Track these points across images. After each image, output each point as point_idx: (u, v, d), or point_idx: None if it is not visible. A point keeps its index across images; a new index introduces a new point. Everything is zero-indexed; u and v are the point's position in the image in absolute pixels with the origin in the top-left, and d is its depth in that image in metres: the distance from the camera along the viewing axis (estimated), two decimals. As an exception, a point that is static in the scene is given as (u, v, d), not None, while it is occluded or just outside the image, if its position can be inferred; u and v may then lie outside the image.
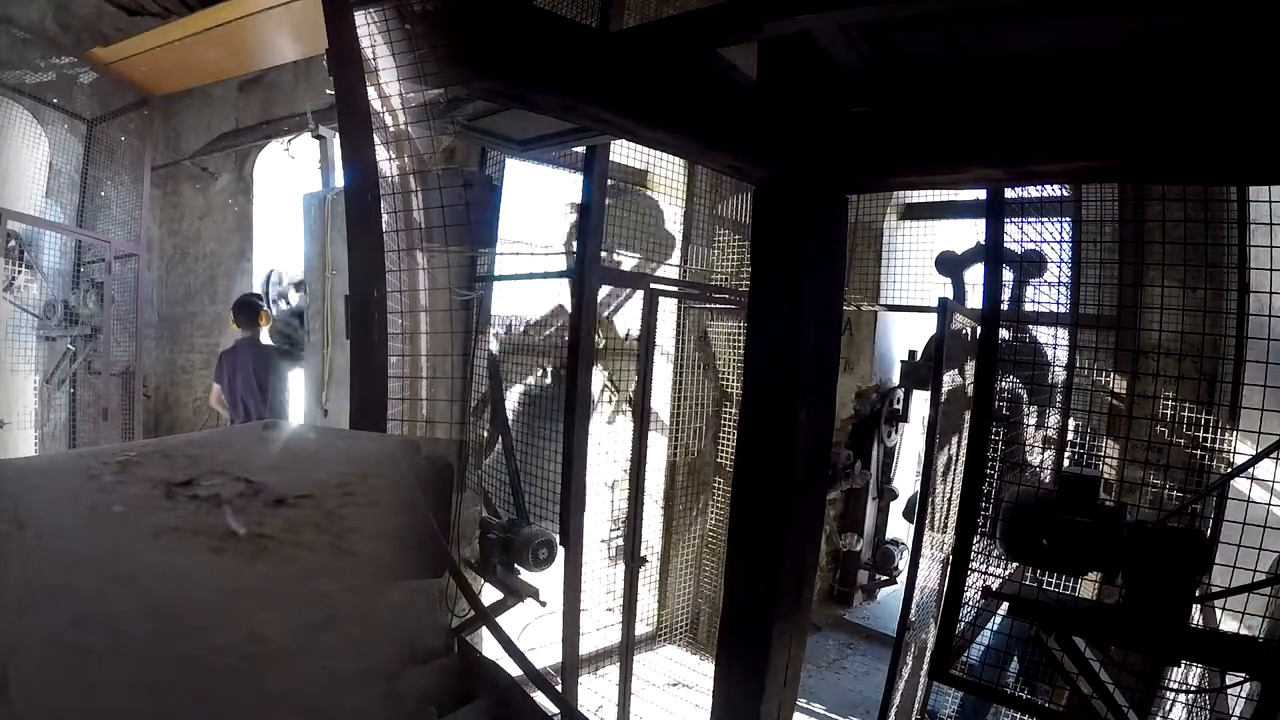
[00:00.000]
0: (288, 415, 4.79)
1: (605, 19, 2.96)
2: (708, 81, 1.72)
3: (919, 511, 3.05)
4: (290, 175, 5.39)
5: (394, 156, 2.44)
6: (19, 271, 5.20)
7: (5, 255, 4.87)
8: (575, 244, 3.27)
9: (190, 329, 6.13)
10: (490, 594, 3.32)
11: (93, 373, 5.48)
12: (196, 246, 6.10)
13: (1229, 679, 2.04)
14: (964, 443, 2.59)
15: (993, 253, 2.27)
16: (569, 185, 3.67)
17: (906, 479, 5.95)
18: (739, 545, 2.07)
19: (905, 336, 6.05)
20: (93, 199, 5.61)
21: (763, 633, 1.96)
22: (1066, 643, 2.09)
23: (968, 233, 4.99)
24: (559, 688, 3.41)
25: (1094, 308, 2.98)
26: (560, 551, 3.31)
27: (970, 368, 3.10)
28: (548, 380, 3.99)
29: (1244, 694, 1.97)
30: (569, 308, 3.29)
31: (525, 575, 3.33)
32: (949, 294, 4.39)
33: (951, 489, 3.40)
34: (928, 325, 4.60)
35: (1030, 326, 3.19)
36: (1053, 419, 3.50)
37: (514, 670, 1.37)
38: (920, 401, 5.50)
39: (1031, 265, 3.03)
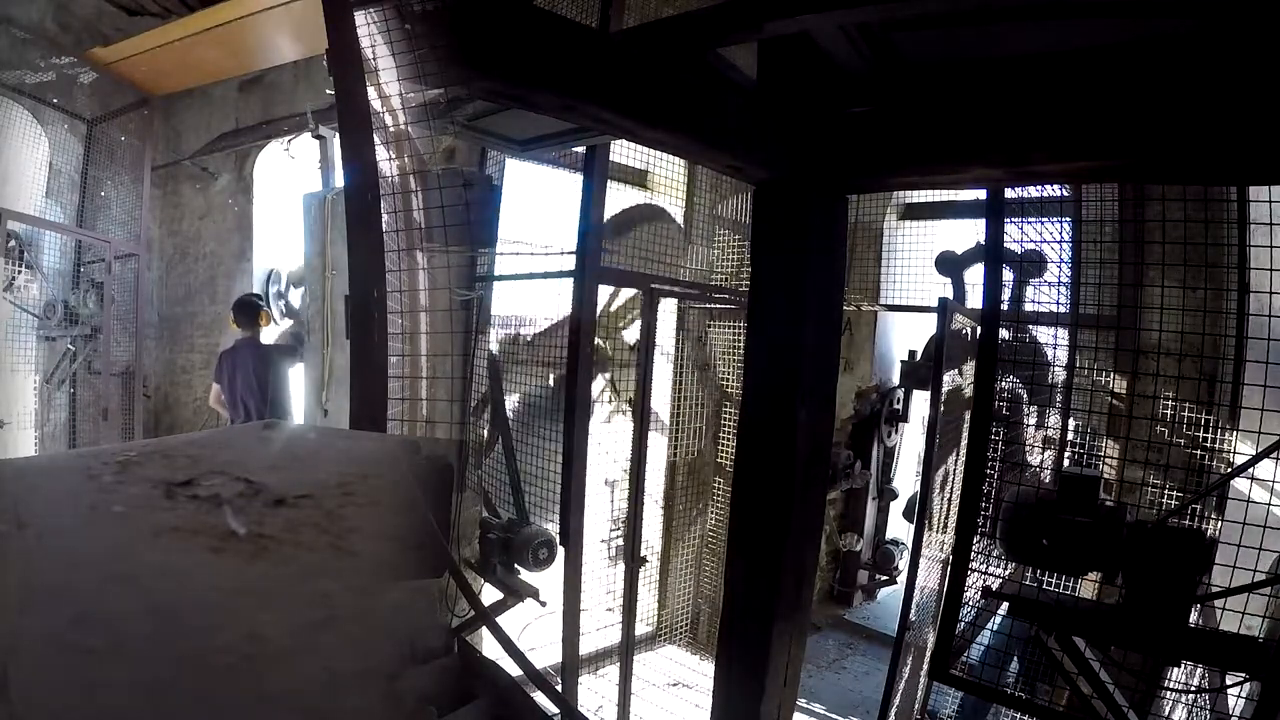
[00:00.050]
0: (291, 413, 4.79)
1: (605, 19, 2.96)
2: (708, 81, 1.72)
3: (919, 511, 3.05)
4: (290, 175, 5.39)
5: (394, 156, 2.44)
6: (19, 271, 5.20)
7: (5, 255, 4.87)
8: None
9: (190, 329, 6.13)
10: (490, 594, 3.32)
11: (93, 373, 5.48)
12: (196, 246, 6.10)
13: (1229, 679, 2.04)
14: (964, 443, 2.59)
15: (993, 253, 2.27)
16: (569, 185, 3.67)
17: (906, 479, 5.95)
18: (739, 545, 2.07)
19: (905, 336, 6.05)
20: (93, 199, 5.61)
21: (763, 633, 1.96)
22: (1066, 643, 2.09)
23: (968, 233, 5.00)
24: (559, 688, 3.41)
25: (1094, 308, 2.98)
26: (560, 551, 3.31)
27: (970, 368, 3.10)
28: (548, 380, 4.00)
29: (1244, 694, 1.97)
30: (570, 308, 3.29)
31: (525, 575, 3.33)
32: (949, 294, 4.39)
33: (951, 489, 3.40)
34: (928, 325, 4.60)
35: (1030, 326, 3.19)
36: (1053, 419, 3.50)
37: (514, 670, 1.37)
38: (920, 401, 5.50)
39: (1031, 265, 3.02)
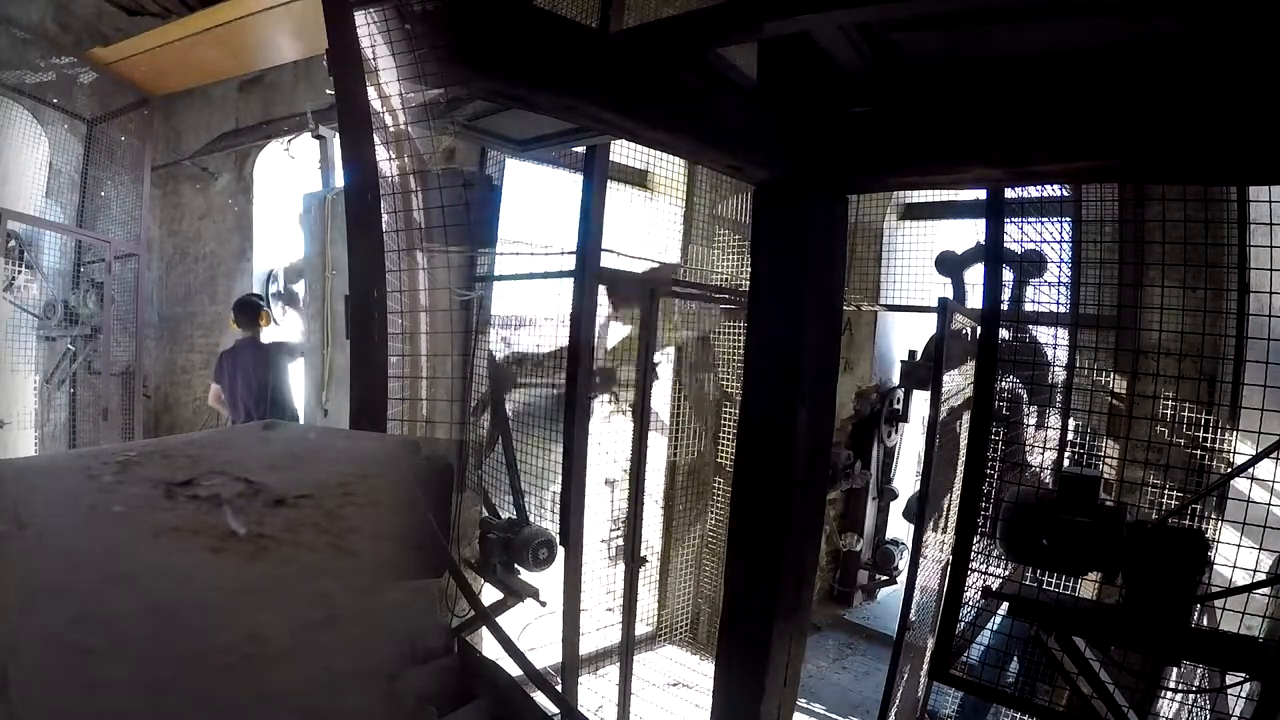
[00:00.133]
0: (295, 411, 4.78)
1: (605, 19, 2.96)
2: (708, 81, 1.72)
3: (919, 511, 3.05)
4: (290, 175, 5.39)
5: (394, 156, 2.44)
6: (19, 271, 5.20)
7: (5, 255, 4.87)
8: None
9: (190, 329, 6.13)
10: (490, 594, 3.32)
11: (93, 373, 5.48)
12: (196, 246, 6.10)
13: (1229, 679, 2.04)
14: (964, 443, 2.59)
15: (993, 253, 2.27)
16: (569, 185, 3.67)
17: (906, 479, 5.95)
18: (739, 545, 2.07)
19: (905, 336, 6.05)
20: (93, 199, 5.61)
21: (763, 633, 1.96)
22: (1066, 643, 2.09)
23: (968, 233, 4.99)
24: (559, 688, 3.41)
25: (1094, 308, 2.98)
26: (560, 551, 3.31)
27: (970, 367, 3.09)
28: (548, 380, 3.99)
29: (1244, 694, 1.97)
30: (570, 308, 3.29)
31: (525, 575, 3.33)
32: (949, 294, 4.39)
33: (951, 489, 3.40)
34: (928, 325, 4.60)
35: (1030, 326, 3.19)
36: (1053, 419, 3.50)
37: (514, 670, 1.37)
38: (920, 401, 5.50)
39: (1031, 265, 3.02)
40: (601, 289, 3.35)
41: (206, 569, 0.85)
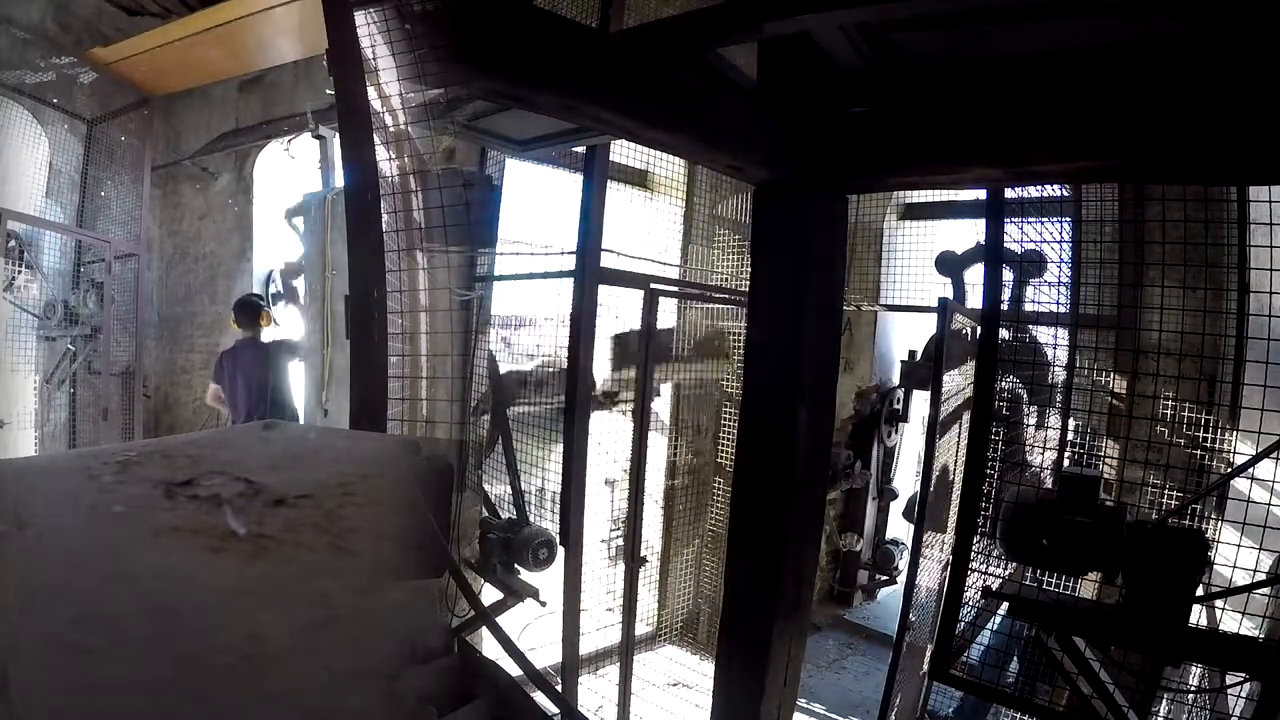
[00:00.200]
0: (294, 410, 4.78)
1: (605, 19, 2.96)
2: (708, 81, 1.71)
3: (919, 511, 3.05)
4: (290, 175, 5.39)
5: (394, 156, 2.44)
6: (19, 271, 5.20)
7: (5, 255, 4.87)
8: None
9: (190, 329, 6.13)
10: (490, 594, 3.32)
11: (93, 373, 5.48)
12: (196, 246, 6.10)
13: (1229, 679, 2.04)
14: (963, 443, 2.59)
15: (993, 253, 2.27)
16: (569, 185, 3.67)
17: (906, 479, 5.95)
18: (739, 545, 2.07)
19: (905, 336, 6.05)
20: (93, 199, 5.61)
21: (763, 633, 1.96)
22: (1066, 643, 2.09)
23: (968, 233, 5.00)
24: (559, 688, 3.41)
25: (1094, 308, 2.98)
26: (560, 551, 3.31)
27: (970, 367, 3.10)
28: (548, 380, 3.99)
29: (1244, 694, 1.97)
30: (570, 308, 3.29)
31: (525, 575, 3.33)
32: (949, 294, 4.39)
33: (952, 489, 3.40)
34: (928, 325, 4.60)
35: (1030, 326, 3.19)
36: (1053, 419, 3.50)
37: (514, 670, 1.37)
38: (920, 401, 5.50)
39: (1031, 265, 3.02)
40: (602, 288, 3.34)
41: (206, 569, 0.85)
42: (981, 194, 2.40)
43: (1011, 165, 1.72)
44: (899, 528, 6.03)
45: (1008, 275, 3.03)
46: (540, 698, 1.37)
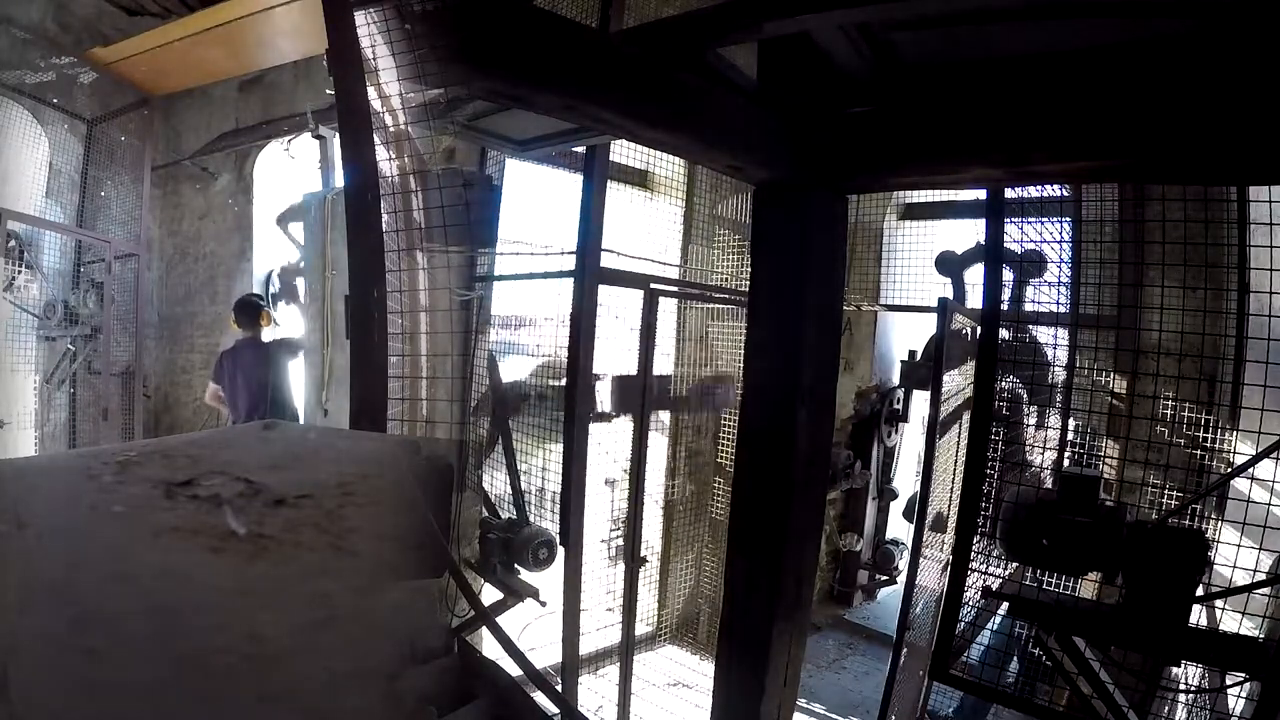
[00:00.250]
0: (294, 410, 4.78)
1: (605, 19, 2.96)
2: (708, 81, 1.71)
3: (919, 511, 3.05)
4: (290, 175, 5.39)
5: (394, 156, 2.44)
6: (19, 271, 5.20)
7: (5, 255, 4.87)
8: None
9: (190, 329, 6.13)
10: (490, 594, 3.32)
11: (93, 373, 5.48)
12: (196, 246, 6.10)
13: (1229, 679, 2.04)
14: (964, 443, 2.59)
15: (993, 253, 2.27)
16: (569, 185, 3.68)
17: (906, 479, 5.95)
18: (739, 545, 2.07)
19: (905, 336, 6.05)
20: (93, 199, 5.61)
21: (763, 633, 1.96)
22: (1066, 643, 2.09)
23: (968, 233, 5.00)
24: (559, 688, 3.41)
25: (1094, 308, 2.98)
26: (560, 551, 3.31)
27: (970, 367, 3.10)
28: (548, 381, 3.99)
29: (1244, 694, 1.97)
30: (570, 308, 3.29)
31: (525, 575, 3.33)
32: (949, 294, 4.39)
33: (952, 489, 3.40)
34: (928, 325, 4.60)
35: (1030, 326, 3.19)
36: (1053, 419, 3.50)
37: (514, 670, 1.37)
38: (920, 401, 5.51)
39: (1031, 265, 3.03)
40: (602, 288, 3.34)
41: (206, 569, 0.85)
42: (981, 194, 2.40)
43: (1011, 165, 1.72)
44: (899, 528, 6.03)
45: (1008, 275, 3.03)
46: (540, 698, 1.37)
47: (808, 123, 1.90)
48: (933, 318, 3.33)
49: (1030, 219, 2.43)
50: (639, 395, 3.86)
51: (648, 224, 4.82)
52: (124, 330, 5.63)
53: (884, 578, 6.10)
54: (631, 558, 3.97)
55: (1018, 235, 2.37)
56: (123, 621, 0.75)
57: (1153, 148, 1.56)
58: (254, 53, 4.76)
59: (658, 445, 4.86)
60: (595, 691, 4.24)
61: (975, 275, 4.39)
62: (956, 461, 3.37)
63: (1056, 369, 3.38)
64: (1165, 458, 2.95)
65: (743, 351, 2.08)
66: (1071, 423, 3.49)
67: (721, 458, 5.23)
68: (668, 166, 4.76)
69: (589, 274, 3.22)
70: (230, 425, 4.77)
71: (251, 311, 4.88)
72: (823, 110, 1.89)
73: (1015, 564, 2.38)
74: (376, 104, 2.24)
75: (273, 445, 1.19)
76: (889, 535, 6.12)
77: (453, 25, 1.55)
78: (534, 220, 3.91)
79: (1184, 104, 1.48)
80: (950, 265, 4.59)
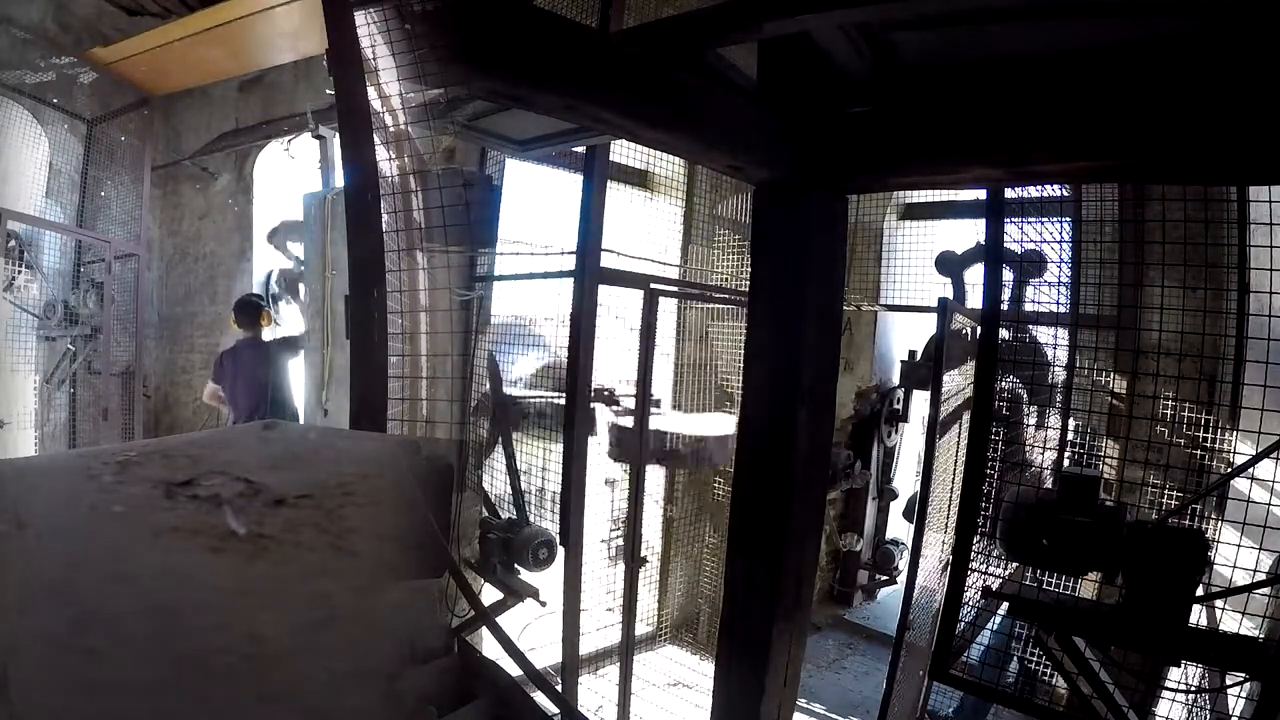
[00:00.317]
0: (294, 409, 4.78)
1: (605, 19, 2.96)
2: (708, 81, 1.71)
3: (919, 511, 3.05)
4: (290, 175, 5.39)
5: (394, 156, 2.44)
6: (19, 271, 5.20)
7: (5, 255, 4.87)
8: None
9: (190, 329, 6.13)
10: (490, 594, 3.32)
11: (93, 373, 5.48)
12: (196, 246, 6.10)
13: (1229, 679, 2.04)
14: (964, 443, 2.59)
15: (993, 253, 2.27)
16: (569, 185, 3.68)
17: (906, 479, 5.95)
18: (739, 545, 2.07)
19: (905, 336, 6.05)
20: (93, 199, 5.61)
21: (763, 633, 1.96)
22: (1066, 643, 2.09)
23: (968, 233, 5.00)
24: (559, 688, 3.41)
25: (1094, 308, 2.98)
26: (560, 551, 3.31)
27: (970, 367, 3.10)
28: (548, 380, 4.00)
29: (1244, 694, 1.97)
30: (570, 308, 3.29)
31: (525, 575, 3.33)
32: (949, 294, 4.39)
33: (952, 489, 3.41)
34: (928, 325, 4.60)
35: (1030, 326, 3.19)
36: (1053, 419, 3.50)
37: (514, 670, 1.37)
38: (920, 401, 5.51)
39: (1031, 265, 3.03)
40: (602, 288, 3.34)
41: (206, 569, 0.85)
42: (981, 194, 2.40)
43: (1011, 165, 1.72)
44: (899, 528, 6.03)
45: (1008, 275, 3.03)
46: (540, 698, 1.37)
47: (808, 123, 1.90)
48: (933, 318, 3.33)
49: (1030, 219, 2.43)
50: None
51: (648, 224, 4.83)
52: (124, 330, 5.63)
53: (884, 578, 6.10)
54: (631, 558, 3.97)
55: (1018, 235, 2.37)
56: (123, 621, 0.75)
57: (1153, 148, 1.56)
58: (254, 53, 4.76)
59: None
60: (595, 691, 4.24)
61: (975, 275, 4.39)
62: (956, 461, 3.37)
63: (1056, 369, 3.39)
64: (1165, 458, 2.95)
65: (743, 351, 2.08)
66: (1071, 423, 3.49)
67: (721, 457, 5.23)
68: (668, 166, 4.76)
69: (589, 274, 3.22)
70: (230, 425, 4.77)
71: (251, 311, 4.88)
72: (823, 110, 1.89)
73: (1015, 564, 2.38)
74: (376, 104, 2.24)
75: (273, 445, 1.19)
76: (889, 535, 6.12)
77: (453, 25, 1.55)
78: (534, 220, 3.92)
79: (1184, 104, 1.48)
80: (950, 265, 4.59)
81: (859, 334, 6.07)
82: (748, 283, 2.12)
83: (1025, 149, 1.68)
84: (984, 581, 2.33)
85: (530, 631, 4.57)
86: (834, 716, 4.47)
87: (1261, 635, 1.99)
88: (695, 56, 1.67)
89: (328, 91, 4.21)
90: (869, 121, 1.87)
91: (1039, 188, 2.42)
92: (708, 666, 4.64)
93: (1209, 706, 2.35)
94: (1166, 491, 2.91)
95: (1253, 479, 2.49)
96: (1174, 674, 2.42)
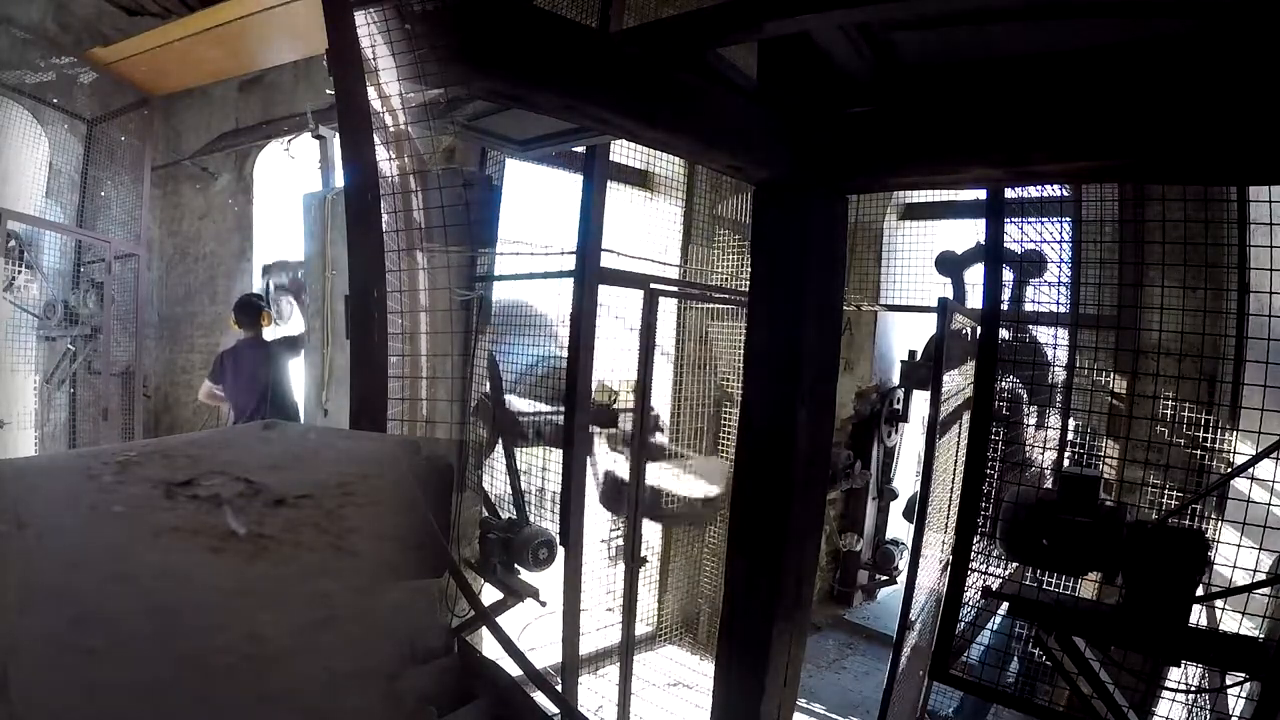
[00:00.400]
0: (295, 409, 4.78)
1: (605, 19, 2.96)
2: (708, 81, 1.71)
3: (919, 511, 3.05)
4: (290, 175, 5.40)
5: (394, 156, 2.44)
6: (19, 271, 5.20)
7: (5, 255, 4.87)
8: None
9: (190, 329, 6.13)
10: (490, 594, 3.32)
11: (93, 373, 5.48)
12: (196, 246, 6.10)
13: (1229, 679, 2.04)
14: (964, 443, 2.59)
15: (993, 253, 2.27)
16: (569, 185, 3.68)
17: (906, 479, 5.95)
18: (739, 545, 2.07)
19: (905, 336, 6.05)
20: (93, 199, 5.61)
21: (763, 633, 1.96)
22: (1066, 643, 2.09)
23: (968, 233, 5.00)
24: (559, 688, 3.41)
25: (1094, 308, 2.98)
26: (560, 551, 3.31)
27: (970, 367, 3.10)
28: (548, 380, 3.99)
29: (1244, 694, 1.97)
30: (570, 308, 3.29)
31: (525, 575, 3.33)
32: (949, 294, 4.39)
33: (952, 489, 3.41)
34: (928, 325, 4.60)
35: (1030, 326, 3.19)
36: (1053, 419, 3.50)
37: (514, 670, 1.37)
38: (920, 401, 5.50)
39: (1031, 265, 3.03)
40: (602, 288, 3.34)
41: (206, 569, 0.85)
42: (981, 194, 2.40)
43: (1011, 165, 1.72)
44: (899, 528, 6.03)
45: (1008, 275, 3.03)
46: (540, 698, 1.37)
47: (807, 123, 1.90)
48: (933, 318, 3.33)
49: (1030, 219, 2.44)
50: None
51: (648, 224, 4.82)
52: (124, 330, 5.63)
53: (884, 578, 6.10)
54: (631, 558, 3.97)
55: (1018, 235, 2.37)
56: (123, 622, 0.75)
57: (1153, 148, 1.56)
58: (254, 53, 4.76)
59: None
60: (595, 691, 4.24)
61: (975, 275, 4.39)
62: (956, 461, 3.37)
63: (1056, 369, 3.38)
64: (1165, 458, 2.95)
65: (743, 351, 2.08)
66: (1071, 423, 3.49)
67: (721, 458, 5.23)
68: (668, 166, 4.76)
69: (589, 274, 3.22)
70: (230, 425, 4.77)
71: (252, 311, 4.88)
72: (822, 110, 1.89)
73: (1015, 564, 2.38)
74: (376, 104, 2.24)
75: (273, 445, 1.19)
76: (889, 535, 6.12)
77: (453, 25, 1.55)
78: (534, 220, 3.92)
79: (1184, 104, 1.48)
80: (950, 265, 4.59)
81: (859, 334, 6.07)
82: (748, 283, 2.12)
83: (1025, 149, 1.68)
84: (984, 581, 2.33)
85: (530, 631, 4.57)
86: (834, 716, 4.47)
87: (1261, 635, 1.99)
88: (695, 56, 1.67)
89: (328, 91, 4.22)
90: (869, 121, 1.87)
91: (1039, 188, 2.42)
92: (708, 666, 4.64)
93: (1209, 706, 2.35)
94: (1166, 491, 2.91)
95: (1253, 479, 2.49)
96: (1174, 674, 2.42)
